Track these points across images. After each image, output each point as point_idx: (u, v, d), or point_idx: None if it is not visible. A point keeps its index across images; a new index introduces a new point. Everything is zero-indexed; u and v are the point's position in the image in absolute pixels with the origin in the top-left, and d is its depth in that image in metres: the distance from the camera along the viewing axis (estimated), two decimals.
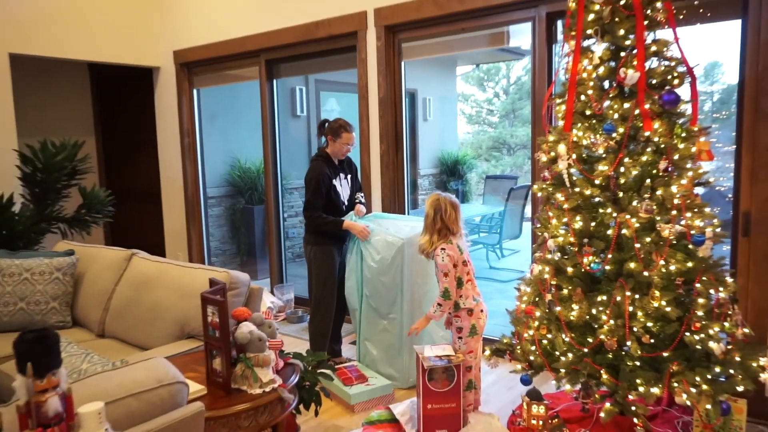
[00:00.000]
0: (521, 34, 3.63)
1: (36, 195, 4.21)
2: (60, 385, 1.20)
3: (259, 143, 5.05)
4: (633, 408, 2.25)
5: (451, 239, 2.69)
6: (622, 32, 2.32)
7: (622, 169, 2.33)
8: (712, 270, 2.23)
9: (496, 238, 6.51)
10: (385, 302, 3.29)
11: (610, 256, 2.33)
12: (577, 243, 2.41)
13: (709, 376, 2.16)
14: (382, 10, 3.91)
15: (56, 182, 4.19)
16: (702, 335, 2.16)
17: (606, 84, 2.43)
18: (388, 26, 3.94)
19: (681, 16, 2.43)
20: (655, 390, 2.19)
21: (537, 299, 2.60)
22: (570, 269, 2.44)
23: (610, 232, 2.35)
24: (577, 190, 2.43)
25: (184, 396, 1.54)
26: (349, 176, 3.57)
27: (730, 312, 2.23)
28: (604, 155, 2.37)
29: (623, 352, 2.33)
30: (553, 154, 2.49)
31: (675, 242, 2.23)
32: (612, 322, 2.28)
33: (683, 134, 2.23)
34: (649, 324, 2.23)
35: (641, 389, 2.20)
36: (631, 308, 2.25)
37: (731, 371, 2.18)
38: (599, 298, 2.35)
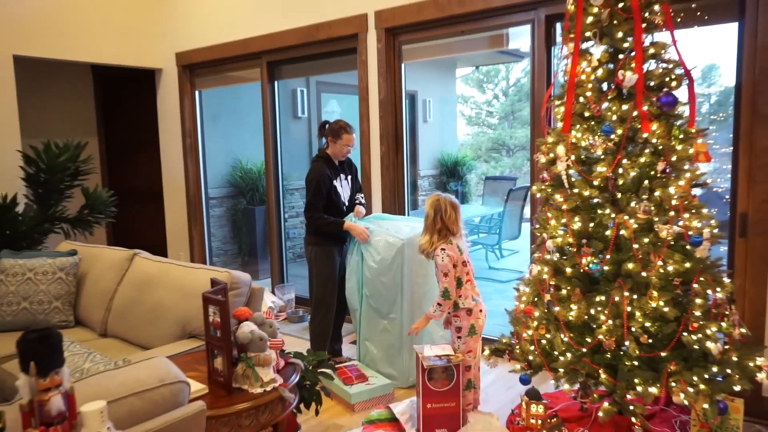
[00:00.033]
0: (520, 37, 3.64)
1: (39, 195, 4.23)
2: (63, 384, 1.21)
3: (261, 144, 5.07)
4: (631, 407, 2.26)
5: (451, 239, 2.71)
6: (620, 35, 2.34)
7: (620, 171, 2.34)
8: (709, 270, 2.24)
9: (496, 238, 6.52)
10: (385, 302, 3.30)
11: (608, 256, 2.34)
12: (575, 243, 2.42)
13: (706, 376, 2.17)
14: (383, 13, 3.93)
15: (59, 183, 4.21)
16: (699, 335, 2.17)
17: (604, 86, 2.45)
18: (388, 28, 3.95)
19: (678, 19, 2.44)
20: (653, 389, 2.20)
21: (536, 299, 2.61)
22: (569, 269, 2.46)
23: (608, 232, 2.36)
24: (575, 191, 2.44)
25: (185, 395, 1.55)
26: (349, 177, 3.59)
27: (727, 312, 2.24)
28: (602, 156, 2.38)
29: (621, 352, 2.34)
30: (551, 155, 2.50)
31: (673, 243, 2.24)
32: (610, 322, 2.29)
33: (681, 136, 2.25)
34: (647, 324, 2.25)
35: (639, 389, 2.21)
36: (629, 308, 2.26)
37: (728, 371, 2.19)
38: (598, 299, 2.37)
